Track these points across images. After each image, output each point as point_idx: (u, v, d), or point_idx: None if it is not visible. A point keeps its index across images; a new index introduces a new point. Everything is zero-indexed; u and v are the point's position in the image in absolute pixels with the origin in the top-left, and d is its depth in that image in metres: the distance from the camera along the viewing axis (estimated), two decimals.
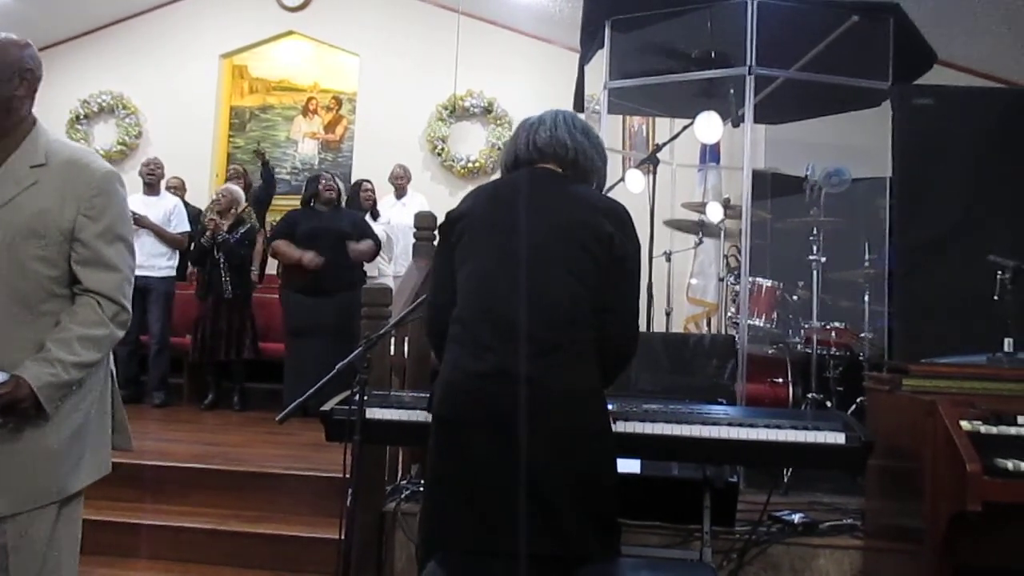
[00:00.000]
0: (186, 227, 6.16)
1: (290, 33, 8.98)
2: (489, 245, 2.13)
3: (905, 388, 2.58)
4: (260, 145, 8.07)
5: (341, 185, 5.88)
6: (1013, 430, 2.34)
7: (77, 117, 8.95)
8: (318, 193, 5.62)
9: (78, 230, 2.01)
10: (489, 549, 1.98)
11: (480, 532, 1.98)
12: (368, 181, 6.83)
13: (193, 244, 6.06)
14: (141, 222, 5.63)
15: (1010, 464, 2.22)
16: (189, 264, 6.40)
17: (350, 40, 8.81)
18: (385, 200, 7.24)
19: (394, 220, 6.98)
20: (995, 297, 2.83)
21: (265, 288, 6.65)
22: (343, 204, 5.97)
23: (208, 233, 5.81)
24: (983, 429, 2.32)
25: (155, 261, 5.86)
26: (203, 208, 6.72)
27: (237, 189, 6.23)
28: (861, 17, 4.18)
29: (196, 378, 6.21)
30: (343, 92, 9.02)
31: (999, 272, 2.84)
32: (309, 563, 3.30)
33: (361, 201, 6.53)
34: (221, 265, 5.78)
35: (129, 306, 2.09)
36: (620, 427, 2.34)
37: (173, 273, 6.09)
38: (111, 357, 2.19)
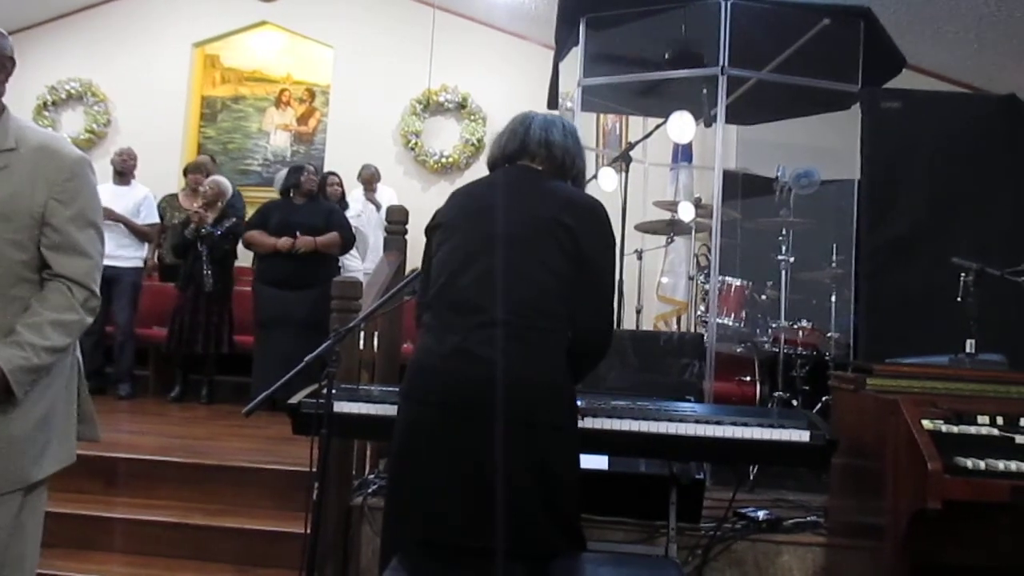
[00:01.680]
0: (155, 218, 6.11)
1: (264, 23, 8.89)
2: (461, 235, 2.17)
3: (869, 387, 2.61)
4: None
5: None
6: (973, 429, 2.38)
7: (44, 104, 8.80)
8: (299, 184, 5.56)
9: (49, 214, 1.99)
10: (439, 538, 1.98)
11: (431, 519, 1.99)
12: (335, 174, 6.78)
13: (165, 234, 5.98)
14: (108, 215, 5.54)
15: (970, 463, 2.25)
16: (155, 255, 6.31)
17: (324, 32, 8.74)
18: (353, 194, 7.20)
19: (364, 215, 6.94)
20: (958, 299, 2.86)
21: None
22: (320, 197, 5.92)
23: (192, 226, 5.75)
24: (944, 428, 2.36)
25: (122, 251, 5.78)
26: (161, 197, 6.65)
27: (224, 181, 6.16)
28: (832, 20, 4.22)
29: (162, 370, 6.14)
30: (316, 84, 8.95)
31: (962, 274, 2.88)
32: (274, 557, 3.27)
33: (328, 194, 6.48)
34: (203, 258, 5.73)
35: (98, 292, 2.09)
36: (588, 423, 2.35)
37: (141, 264, 6.04)
38: (78, 346, 2.17)
